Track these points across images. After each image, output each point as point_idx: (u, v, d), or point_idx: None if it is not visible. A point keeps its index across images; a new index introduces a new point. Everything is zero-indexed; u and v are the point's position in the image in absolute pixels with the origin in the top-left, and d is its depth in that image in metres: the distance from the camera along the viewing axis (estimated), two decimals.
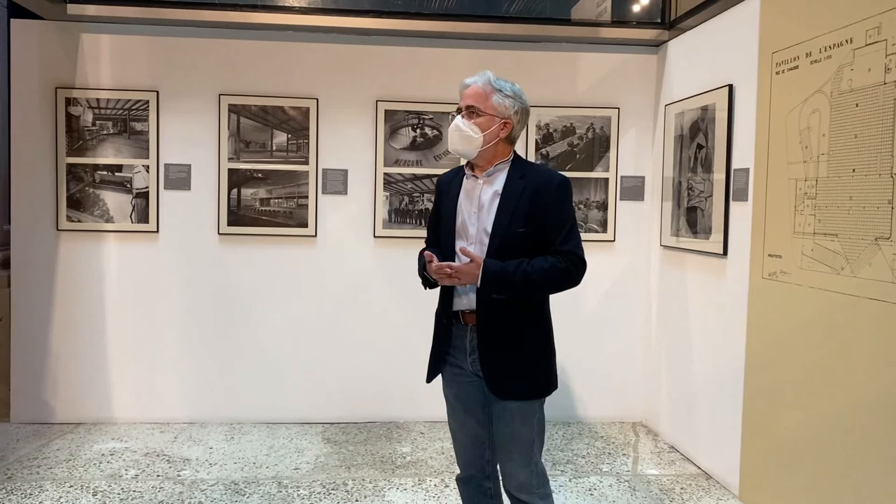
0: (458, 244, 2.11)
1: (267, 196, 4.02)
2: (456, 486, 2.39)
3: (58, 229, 3.93)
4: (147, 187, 3.96)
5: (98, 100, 3.91)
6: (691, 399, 3.64)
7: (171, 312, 4.02)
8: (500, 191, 2.08)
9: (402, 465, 3.47)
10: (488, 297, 2.03)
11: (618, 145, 4.17)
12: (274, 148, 4.01)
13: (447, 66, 4.03)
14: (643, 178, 4.20)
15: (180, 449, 3.64)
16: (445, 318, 2.16)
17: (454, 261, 2.08)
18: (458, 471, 2.30)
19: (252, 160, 4.00)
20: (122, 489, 3.13)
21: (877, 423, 2.34)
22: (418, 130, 4.08)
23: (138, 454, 3.55)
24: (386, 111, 4.05)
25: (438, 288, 2.18)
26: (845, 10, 2.50)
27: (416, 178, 4.07)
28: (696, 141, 3.60)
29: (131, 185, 3.96)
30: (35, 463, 3.40)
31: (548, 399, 2.17)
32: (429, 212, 2.36)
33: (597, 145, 4.16)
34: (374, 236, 4.08)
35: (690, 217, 3.65)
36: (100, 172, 3.94)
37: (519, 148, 4.08)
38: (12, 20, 3.90)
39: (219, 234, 4.01)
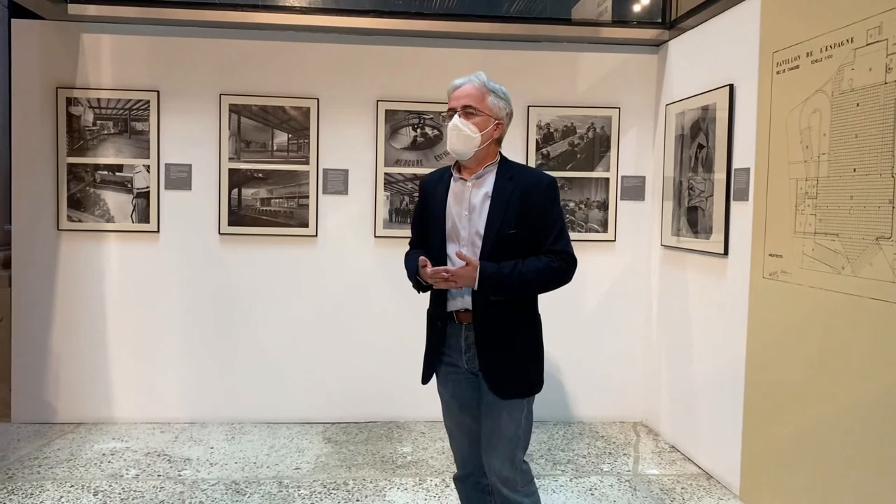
0: (450, 247, 2.13)
1: (267, 196, 4.02)
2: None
3: (58, 229, 3.94)
4: (148, 187, 3.96)
5: (99, 100, 3.91)
6: (692, 399, 3.64)
7: (172, 312, 4.02)
8: (491, 193, 2.10)
9: (402, 465, 3.47)
10: (485, 298, 2.05)
11: (618, 145, 4.17)
12: (274, 148, 4.01)
13: (448, 66, 4.03)
14: (644, 177, 4.20)
15: (181, 449, 3.64)
16: (440, 319, 2.17)
17: (446, 264, 2.10)
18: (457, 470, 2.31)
19: (253, 160, 4.00)
20: (123, 489, 3.13)
21: (877, 423, 2.34)
22: (419, 130, 4.08)
23: (139, 454, 3.55)
24: (386, 111, 4.05)
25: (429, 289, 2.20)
26: (846, 10, 2.50)
27: (416, 178, 4.07)
28: (697, 141, 3.60)
29: (132, 184, 3.96)
30: (36, 463, 3.40)
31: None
32: (415, 210, 2.36)
33: (597, 145, 4.16)
34: (375, 236, 4.08)
35: (691, 217, 3.65)
36: (100, 172, 3.94)
37: (520, 148, 4.12)
38: (13, 20, 3.90)
39: (219, 233, 4.01)
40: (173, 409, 4.03)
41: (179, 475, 3.30)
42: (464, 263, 2.01)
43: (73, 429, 3.89)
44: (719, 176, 3.37)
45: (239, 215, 4.01)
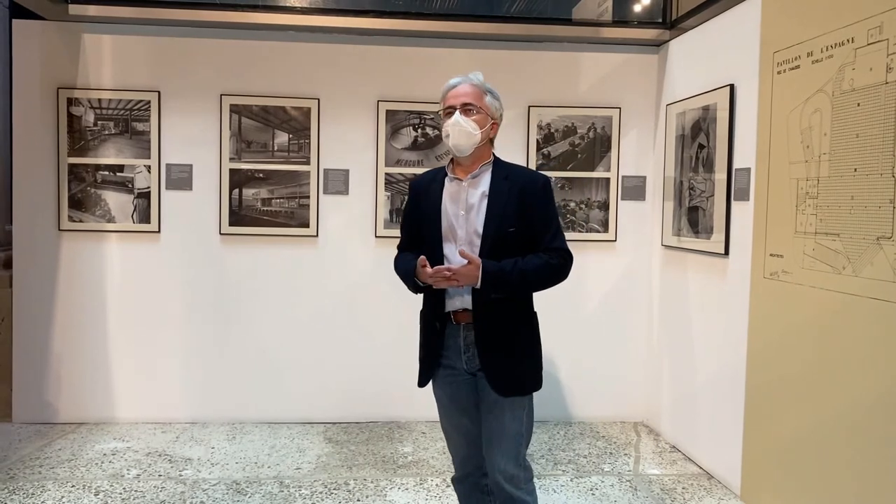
0: (446, 247, 2.13)
1: (268, 196, 4.02)
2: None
3: (59, 229, 3.94)
4: (148, 187, 3.97)
5: (100, 100, 3.92)
6: (693, 399, 3.64)
7: (173, 312, 4.02)
8: (487, 192, 2.11)
9: (403, 465, 3.47)
10: (487, 296, 2.06)
11: (619, 145, 4.17)
12: (275, 148, 4.02)
13: (448, 66, 4.03)
14: (644, 177, 4.20)
15: (182, 449, 3.64)
16: (437, 320, 2.16)
17: (442, 264, 2.09)
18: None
19: (253, 160, 4.00)
20: (124, 489, 3.13)
21: (878, 423, 2.33)
22: (419, 130, 4.08)
23: (140, 454, 3.56)
24: (387, 111, 4.05)
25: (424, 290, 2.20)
26: (846, 10, 2.50)
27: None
28: (698, 141, 3.60)
29: (133, 185, 3.96)
30: (37, 463, 3.40)
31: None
32: (405, 211, 2.36)
33: (598, 145, 4.16)
34: (376, 236, 4.08)
35: (692, 217, 3.65)
36: (101, 172, 3.94)
37: (520, 147, 4.12)
38: (14, 20, 3.91)
39: (220, 234, 4.02)
40: (174, 410, 4.04)
41: (180, 475, 3.31)
42: (465, 262, 2.02)
43: (74, 429, 3.90)
44: (720, 176, 3.37)
45: (240, 215, 4.01)
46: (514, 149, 4.07)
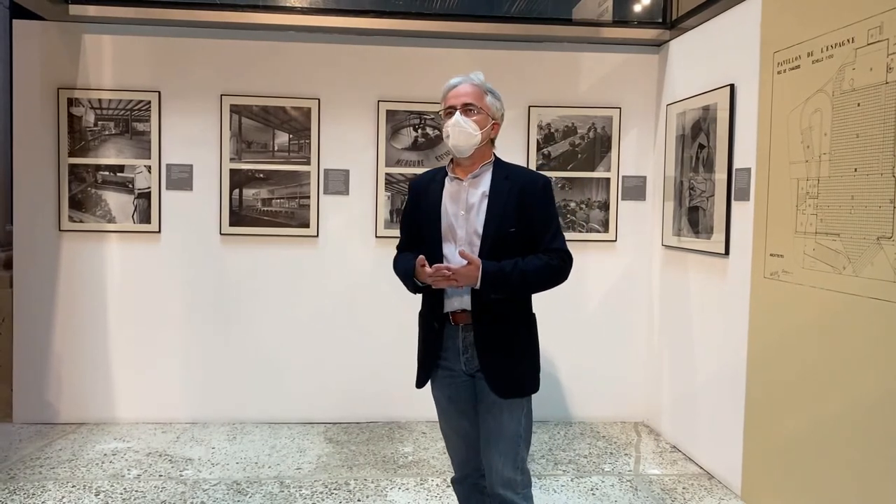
0: (446, 247, 2.11)
1: (269, 196, 4.02)
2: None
3: (60, 230, 3.94)
4: (149, 188, 3.97)
5: (100, 100, 3.92)
6: (693, 399, 3.64)
7: (173, 313, 4.02)
8: (488, 192, 2.10)
9: (404, 465, 3.48)
10: (486, 297, 2.04)
11: (619, 145, 4.17)
12: (276, 148, 4.02)
13: (448, 67, 4.02)
14: (645, 177, 4.20)
15: (182, 449, 3.64)
16: (436, 321, 2.15)
17: (442, 263, 2.08)
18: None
19: (254, 160, 4.00)
20: (125, 489, 3.13)
21: (879, 423, 2.33)
22: (420, 130, 4.08)
23: (140, 454, 3.56)
24: (387, 111, 4.05)
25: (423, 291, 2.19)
26: (847, 10, 2.50)
27: None
28: (698, 141, 3.60)
29: (133, 185, 3.96)
30: (38, 463, 3.40)
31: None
32: (404, 211, 2.35)
33: (598, 145, 4.16)
34: (376, 236, 4.08)
35: (692, 217, 3.65)
36: (102, 173, 3.94)
37: (520, 148, 4.12)
38: (14, 21, 3.91)
39: (220, 234, 4.02)
40: (175, 410, 4.04)
41: (181, 475, 3.31)
42: (465, 262, 2.00)
43: (74, 429, 3.90)
44: (720, 176, 3.37)
45: (240, 216, 4.01)
46: (514, 149, 4.07)
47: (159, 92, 3.95)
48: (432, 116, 4.06)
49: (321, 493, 3.14)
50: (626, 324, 4.22)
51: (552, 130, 4.13)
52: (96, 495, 3.07)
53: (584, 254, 4.08)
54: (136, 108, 3.94)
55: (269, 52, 3.99)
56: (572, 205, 4.15)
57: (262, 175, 4.01)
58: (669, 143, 3.93)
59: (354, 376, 4.11)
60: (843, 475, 2.49)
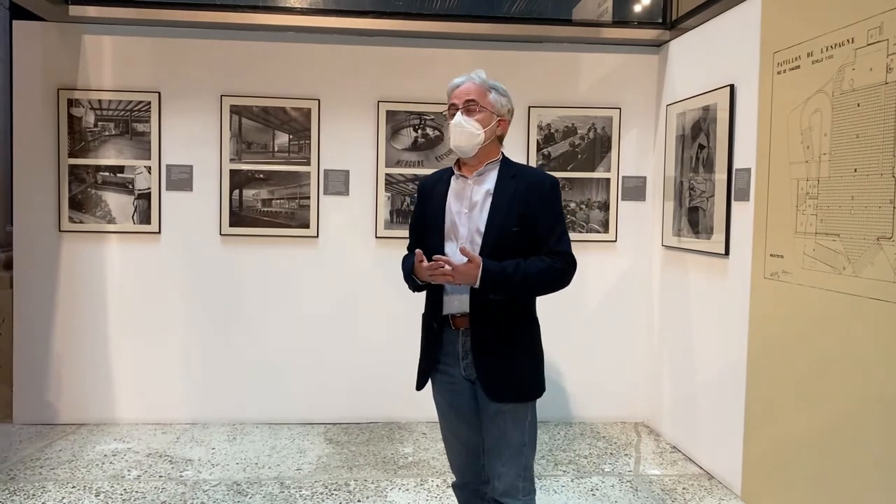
0: (448, 245, 2.07)
1: (269, 197, 4.02)
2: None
3: (60, 230, 3.94)
4: (149, 188, 3.97)
5: (100, 101, 3.92)
6: (693, 399, 3.64)
7: (173, 313, 4.02)
8: (492, 190, 2.06)
9: (404, 466, 3.48)
10: (485, 297, 1.99)
11: (619, 145, 4.17)
12: (276, 149, 4.02)
13: (448, 67, 4.03)
14: (645, 178, 4.20)
15: (182, 450, 3.64)
16: (436, 322, 2.12)
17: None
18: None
19: (254, 161, 4.01)
20: (125, 490, 3.13)
21: (879, 423, 2.33)
22: (419, 131, 4.08)
23: (141, 455, 3.56)
24: (387, 112, 4.05)
25: (426, 290, 2.15)
26: (847, 10, 2.50)
27: (417, 178, 4.07)
28: (698, 141, 3.60)
29: (133, 186, 3.96)
30: (38, 464, 3.40)
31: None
32: (413, 212, 2.34)
33: (598, 145, 4.16)
34: (376, 237, 4.08)
35: (692, 217, 3.65)
36: (102, 173, 3.94)
37: (520, 148, 4.12)
38: (14, 22, 3.91)
39: (221, 234, 4.02)
40: (175, 410, 4.04)
41: (181, 476, 3.31)
42: (465, 260, 1.95)
43: (74, 430, 3.90)
44: (720, 176, 3.37)
45: (240, 216, 4.01)
46: (515, 149, 4.06)
47: (159, 92, 3.95)
48: (432, 117, 4.06)
49: (321, 493, 3.14)
50: (626, 324, 4.22)
51: (552, 131, 4.13)
52: (96, 496, 3.07)
53: (584, 254, 4.07)
54: (136, 108, 3.94)
55: (269, 52, 3.99)
56: (572, 205, 4.15)
57: (262, 175, 4.01)
58: (669, 144, 3.93)
59: (354, 376, 4.11)
60: (843, 475, 2.49)
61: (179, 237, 4.00)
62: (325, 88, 4.03)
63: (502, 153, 2.16)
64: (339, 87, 4.04)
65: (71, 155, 3.92)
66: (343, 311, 4.10)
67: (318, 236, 4.06)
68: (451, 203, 2.11)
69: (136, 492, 3.12)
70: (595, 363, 4.20)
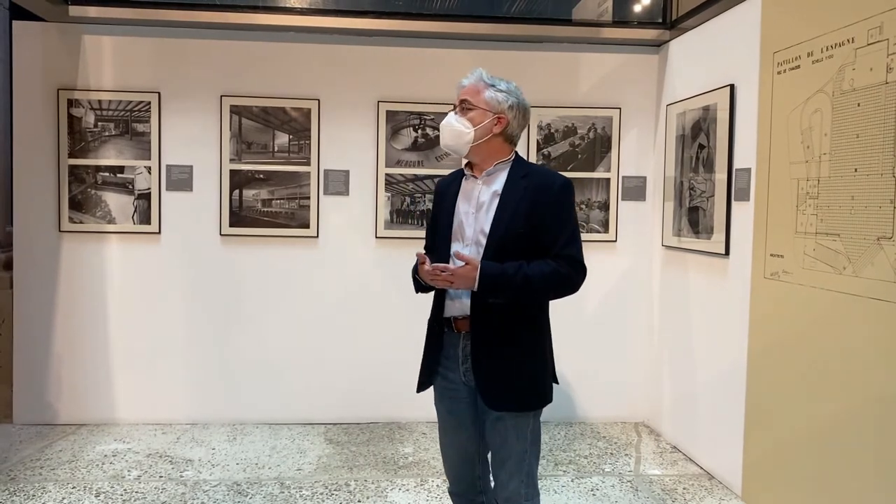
0: (454, 246, 2.04)
1: (269, 197, 4.02)
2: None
3: (60, 231, 3.94)
4: (149, 188, 3.97)
5: (100, 101, 3.92)
6: (693, 399, 3.64)
7: (174, 313, 4.02)
8: (500, 191, 2.01)
9: (404, 466, 3.47)
10: (484, 301, 1.95)
11: (619, 145, 4.17)
12: (276, 149, 4.02)
13: (448, 67, 4.03)
14: (645, 178, 4.20)
15: (183, 450, 3.64)
16: (437, 323, 2.09)
17: (449, 264, 1.98)
18: None
19: (254, 161, 4.00)
20: (125, 490, 3.13)
21: (879, 423, 2.33)
22: (420, 131, 4.08)
23: (141, 455, 3.56)
24: (387, 112, 4.05)
25: (431, 291, 2.12)
26: (847, 10, 2.50)
27: (417, 178, 4.07)
28: (698, 141, 3.60)
29: (133, 186, 3.96)
30: (38, 464, 3.40)
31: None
32: (430, 212, 2.32)
33: (598, 145, 4.16)
34: (376, 237, 4.08)
35: (692, 217, 3.65)
36: (102, 174, 3.94)
37: (520, 148, 4.10)
38: (14, 22, 3.91)
39: (221, 235, 4.02)
40: (175, 411, 4.04)
41: (181, 476, 3.31)
42: (463, 263, 1.91)
43: (74, 430, 3.90)
44: (720, 176, 3.37)
45: (240, 216, 4.01)
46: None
47: (159, 93, 3.95)
48: (432, 117, 4.06)
49: (321, 493, 3.14)
50: (626, 324, 4.22)
51: (552, 131, 4.13)
52: (96, 496, 3.06)
53: (584, 254, 4.06)
54: (136, 108, 3.94)
55: (269, 52, 3.99)
56: None
57: (262, 176, 4.01)
58: (669, 144, 3.93)
59: (354, 377, 4.11)
60: (843, 475, 2.49)
61: (179, 237, 4.00)
62: (325, 88, 4.03)
63: (516, 153, 2.12)
64: (338, 87, 4.04)
65: (71, 155, 3.92)
66: (343, 311, 4.10)
67: (318, 236, 4.06)
68: (460, 203, 2.08)
69: (137, 492, 3.12)
70: (595, 363, 4.20)
